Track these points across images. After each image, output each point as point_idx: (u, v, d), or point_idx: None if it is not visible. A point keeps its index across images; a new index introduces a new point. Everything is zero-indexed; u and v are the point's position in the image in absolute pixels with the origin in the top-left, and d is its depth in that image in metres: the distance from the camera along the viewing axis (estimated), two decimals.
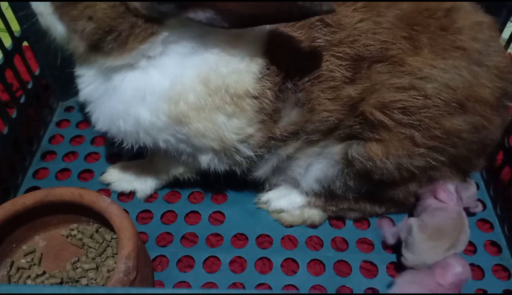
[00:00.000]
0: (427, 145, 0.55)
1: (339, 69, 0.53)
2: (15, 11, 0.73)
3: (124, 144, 0.60)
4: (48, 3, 0.53)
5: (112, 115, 0.57)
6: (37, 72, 0.81)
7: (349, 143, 0.59)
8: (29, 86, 0.78)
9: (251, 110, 0.55)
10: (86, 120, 0.61)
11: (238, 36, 0.54)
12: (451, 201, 0.64)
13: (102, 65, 0.55)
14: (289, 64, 0.53)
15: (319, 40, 0.52)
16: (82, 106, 0.61)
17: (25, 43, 0.76)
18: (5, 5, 0.71)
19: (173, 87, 0.54)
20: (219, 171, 0.63)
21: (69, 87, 0.62)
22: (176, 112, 0.55)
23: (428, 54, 0.52)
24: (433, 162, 0.57)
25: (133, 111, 0.55)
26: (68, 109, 0.87)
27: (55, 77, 0.82)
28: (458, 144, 0.56)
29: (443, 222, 0.62)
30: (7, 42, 0.72)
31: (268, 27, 0.54)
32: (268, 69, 0.54)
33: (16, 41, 0.74)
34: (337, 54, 0.53)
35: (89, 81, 0.58)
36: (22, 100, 0.76)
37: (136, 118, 0.55)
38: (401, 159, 0.56)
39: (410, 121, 0.54)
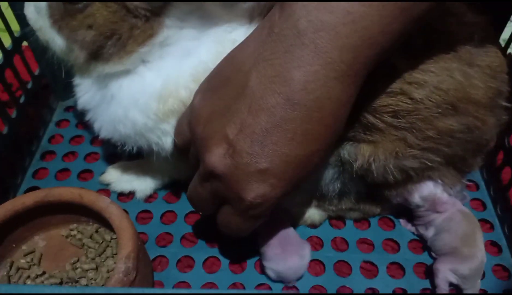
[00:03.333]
0: (420, 146, 0.55)
1: None
2: (15, 11, 0.73)
3: (126, 147, 0.60)
4: (46, 17, 0.53)
5: (113, 121, 0.57)
6: (36, 72, 0.81)
7: (341, 145, 0.59)
8: (29, 86, 0.78)
9: None
10: (85, 120, 0.62)
11: (234, 41, 0.54)
12: (451, 205, 0.64)
13: (102, 72, 0.55)
14: None
15: None
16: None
17: (24, 43, 0.76)
18: (5, 5, 0.71)
19: (165, 86, 0.54)
20: None
21: (69, 87, 0.62)
22: (164, 109, 0.55)
23: (418, 57, 0.52)
24: (428, 163, 0.57)
25: (130, 114, 0.55)
26: (68, 109, 0.87)
27: (55, 77, 0.82)
28: (452, 144, 0.56)
29: (460, 229, 0.62)
30: (7, 42, 0.72)
31: None
32: None
33: (16, 41, 0.74)
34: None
35: (86, 90, 0.59)
36: (22, 100, 0.76)
37: (132, 120, 0.56)
38: (394, 160, 0.56)
39: (402, 124, 0.53)
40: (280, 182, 0.45)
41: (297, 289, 0.62)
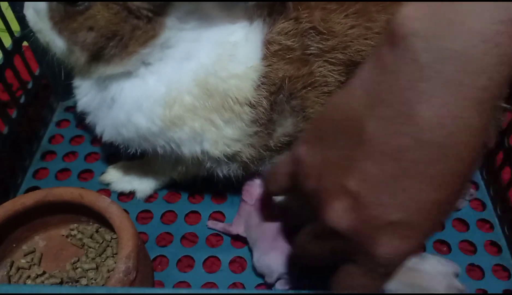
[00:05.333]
0: None
1: (332, 74, 0.53)
2: (15, 12, 0.73)
3: (129, 150, 0.60)
4: (46, 20, 0.53)
5: (116, 125, 0.57)
6: (37, 72, 0.81)
7: None
8: (29, 86, 0.78)
9: (247, 120, 0.55)
10: (86, 123, 0.62)
11: (234, 44, 0.54)
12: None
13: (103, 73, 0.55)
14: (284, 72, 0.53)
15: (311, 48, 0.52)
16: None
17: (25, 43, 0.76)
18: (5, 5, 0.71)
19: (169, 92, 0.54)
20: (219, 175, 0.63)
21: (69, 87, 0.62)
22: (170, 116, 0.55)
23: None
24: None
25: (133, 118, 0.55)
26: (68, 109, 0.87)
27: (55, 77, 0.82)
28: None
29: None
30: (7, 42, 0.72)
31: (262, 35, 0.54)
32: (265, 77, 0.54)
33: (16, 41, 0.74)
34: (330, 59, 0.52)
35: (86, 92, 0.59)
36: (22, 100, 0.76)
37: (135, 125, 0.56)
38: None
39: None
40: (415, 233, 0.40)
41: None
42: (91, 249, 0.59)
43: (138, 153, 0.61)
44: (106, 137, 0.60)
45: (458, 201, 0.42)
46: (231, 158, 0.59)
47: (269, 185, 0.54)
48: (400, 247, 0.41)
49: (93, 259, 0.59)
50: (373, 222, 0.40)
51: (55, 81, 0.84)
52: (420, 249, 0.44)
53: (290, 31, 0.53)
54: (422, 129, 0.37)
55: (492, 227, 0.69)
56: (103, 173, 0.75)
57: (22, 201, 0.57)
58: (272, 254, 0.60)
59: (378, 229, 0.40)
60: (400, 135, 0.38)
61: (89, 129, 0.63)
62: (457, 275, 0.59)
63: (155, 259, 0.65)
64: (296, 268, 0.59)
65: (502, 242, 0.67)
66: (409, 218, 0.40)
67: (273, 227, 0.63)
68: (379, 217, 0.40)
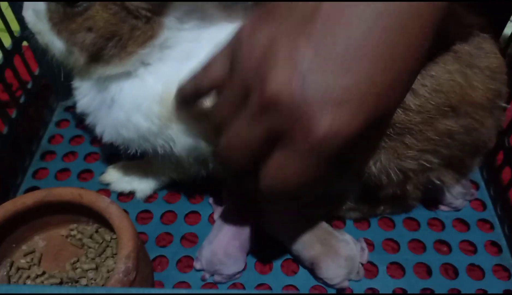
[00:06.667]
0: (419, 147, 0.55)
1: None
2: (15, 12, 0.73)
3: (129, 151, 0.60)
4: (45, 21, 0.53)
5: (116, 125, 0.57)
6: (36, 72, 0.81)
7: None
8: (29, 86, 0.78)
9: None
10: (86, 123, 0.62)
11: None
12: None
13: (102, 74, 0.55)
14: None
15: None
16: None
17: (24, 43, 0.76)
18: (5, 5, 0.71)
19: (166, 89, 0.54)
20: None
21: (69, 87, 0.62)
22: (167, 112, 0.54)
23: None
24: (427, 164, 0.57)
25: (133, 119, 0.55)
26: (68, 109, 0.87)
27: (55, 77, 0.82)
28: (450, 145, 0.56)
29: None
30: (7, 42, 0.72)
31: None
32: None
33: (16, 41, 0.74)
34: None
35: (85, 92, 0.58)
36: (22, 100, 0.76)
37: (135, 125, 0.56)
38: (395, 162, 0.56)
39: (400, 131, 0.54)
40: (359, 113, 0.38)
41: (297, 289, 0.62)
42: (90, 249, 0.59)
43: (138, 153, 0.61)
44: (106, 138, 0.59)
45: (401, 94, 0.42)
46: None
47: (200, 78, 0.47)
48: (341, 125, 0.38)
49: (93, 259, 0.59)
50: (318, 97, 0.38)
51: (55, 81, 0.84)
52: (359, 135, 0.40)
53: None
54: (379, 13, 0.38)
55: (492, 227, 0.69)
56: (102, 173, 0.75)
57: (22, 201, 0.57)
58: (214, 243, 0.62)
59: (322, 104, 0.38)
60: (356, 17, 0.38)
61: (88, 129, 0.63)
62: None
63: (155, 259, 0.65)
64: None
65: (502, 242, 0.67)
66: (355, 94, 0.38)
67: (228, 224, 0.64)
68: (325, 92, 0.38)
